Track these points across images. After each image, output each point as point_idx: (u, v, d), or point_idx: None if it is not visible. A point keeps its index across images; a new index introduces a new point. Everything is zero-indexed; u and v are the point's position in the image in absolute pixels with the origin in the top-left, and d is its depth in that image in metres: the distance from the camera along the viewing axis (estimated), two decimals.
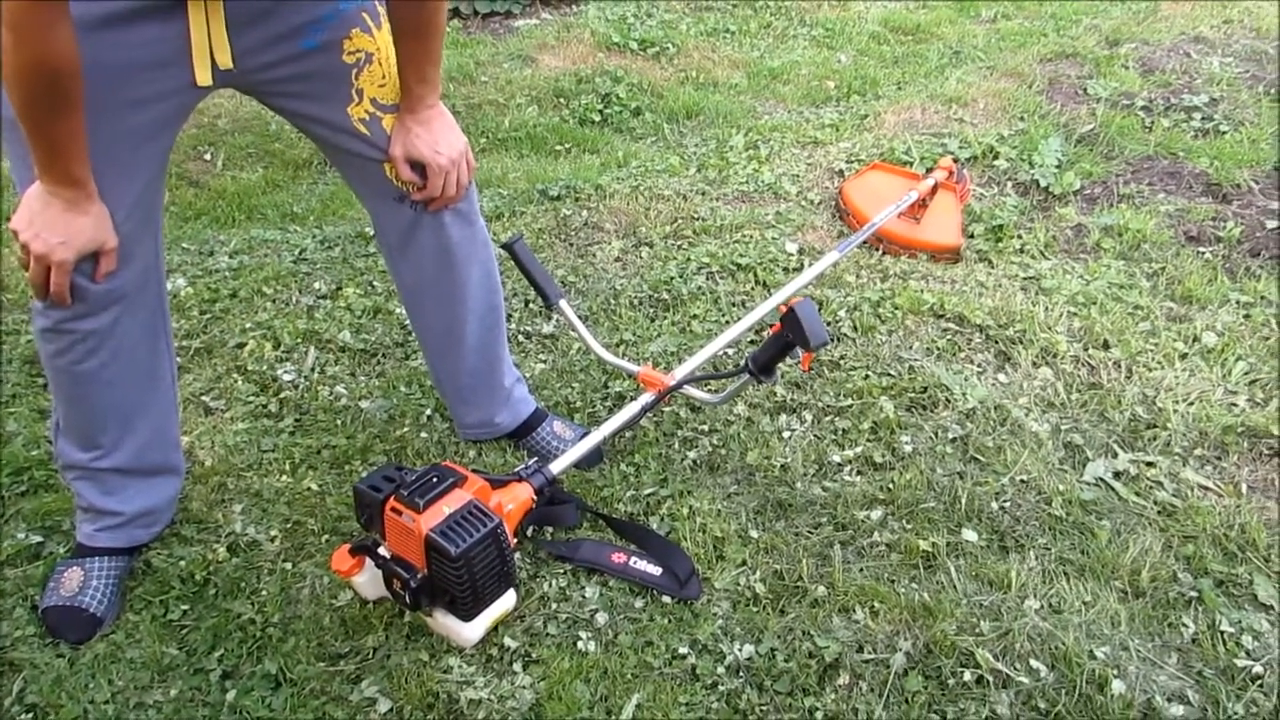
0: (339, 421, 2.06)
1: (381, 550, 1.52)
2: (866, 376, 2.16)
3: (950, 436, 2.01)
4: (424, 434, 2.02)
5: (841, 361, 2.22)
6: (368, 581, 1.56)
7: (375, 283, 2.53)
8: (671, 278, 2.51)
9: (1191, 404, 2.08)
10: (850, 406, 2.08)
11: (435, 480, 1.50)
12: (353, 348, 2.29)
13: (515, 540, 1.60)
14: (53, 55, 1.17)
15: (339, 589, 1.67)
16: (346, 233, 2.76)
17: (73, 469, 1.65)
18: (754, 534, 1.79)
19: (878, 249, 2.65)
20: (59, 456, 1.66)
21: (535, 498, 1.66)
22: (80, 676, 1.54)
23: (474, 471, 1.59)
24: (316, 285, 2.52)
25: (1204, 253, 2.67)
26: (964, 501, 1.84)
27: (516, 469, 1.71)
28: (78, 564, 1.67)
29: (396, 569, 1.48)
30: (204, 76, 1.38)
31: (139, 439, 1.64)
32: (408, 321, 2.34)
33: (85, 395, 1.55)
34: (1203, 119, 3.44)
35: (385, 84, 1.53)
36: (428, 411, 2.08)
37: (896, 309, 2.39)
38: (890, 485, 1.88)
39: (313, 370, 2.22)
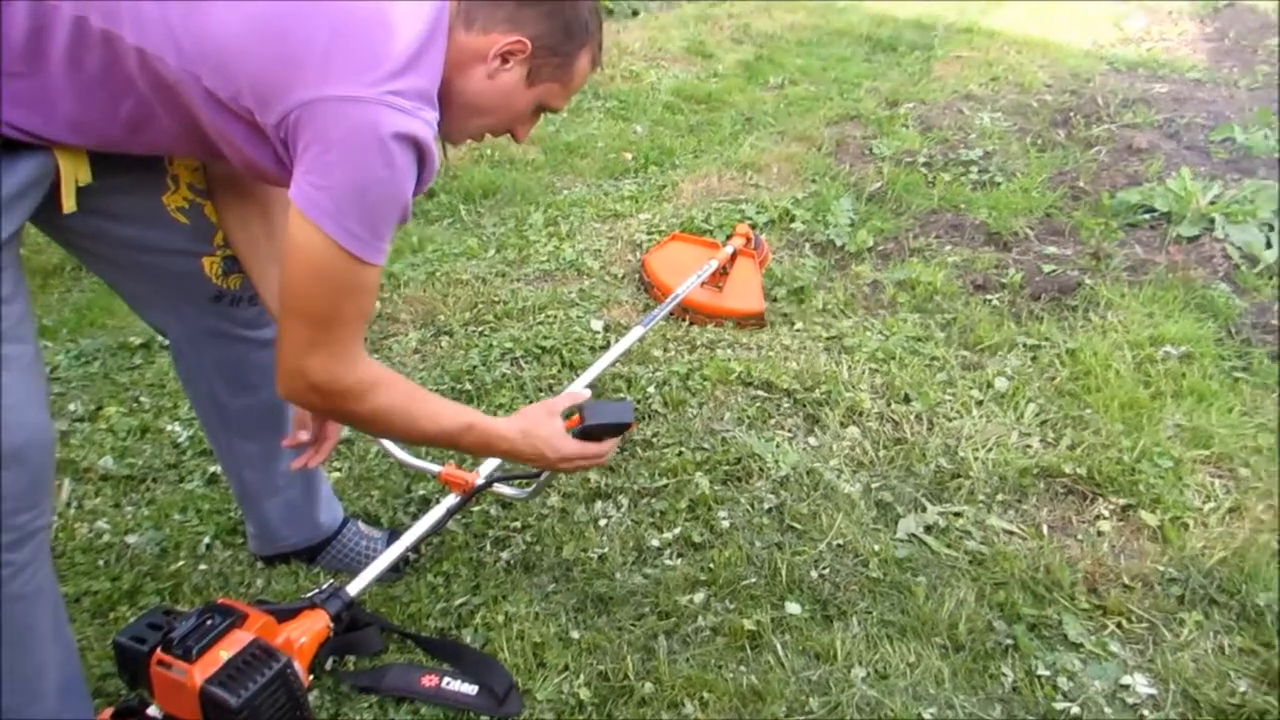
0: (101, 562, 1.83)
1: (151, 711, 1.33)
2: (680, 453, 2.12)
3: (766, 507, 1.98)
4: (203, 566, 1.82)
5: (654, 439, 2.17)
6: None
7: (142, 398, 2.30)
8: (474, 366, 2.41)
9: (990, 450, 2.14)
10: (666, 486, 2.03)
11: (210, 622, 1.33)
12: (116, 475, 2.05)
13: (311, 677, 1.44)
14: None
15: None
16: (106, 344, 2.50)
17: None
18: (575, 634, 1.69)
19: (684, 319, 2.65)
20: None
21: (332, 625, 1.50)
22: None
23: (258, 604, 1.43)
24: (72, 407, 2.26)
25: (990, 300, 2.80)
26: (784, 573, 1.80)
27: (308, 594, 1.55)
28: None
29: None
30: (70, 204, 1.23)
31: None
32: (182, 439, 2.15)
33: None
34: (979, 171, 3.67)
35: (200, 168, 1.38)
36: (206, 539, 1.88)
37: (705, 380, 2.37)
38: (710, 565, 1.83)
39: (69, 505, 1.97)
